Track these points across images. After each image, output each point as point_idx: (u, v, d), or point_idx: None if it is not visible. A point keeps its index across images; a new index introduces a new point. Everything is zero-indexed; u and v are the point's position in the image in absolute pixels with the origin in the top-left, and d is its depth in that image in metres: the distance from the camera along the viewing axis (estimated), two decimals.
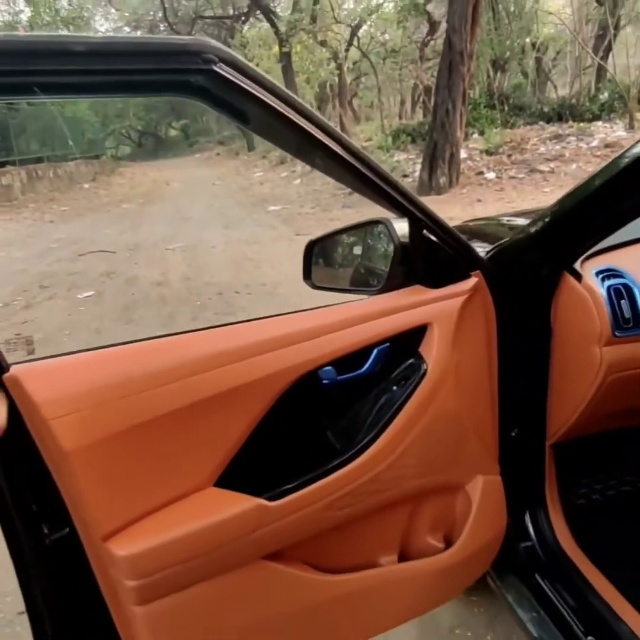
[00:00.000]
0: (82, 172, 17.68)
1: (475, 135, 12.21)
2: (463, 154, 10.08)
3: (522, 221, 1.84)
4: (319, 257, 1.35)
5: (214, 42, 0.77)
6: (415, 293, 1.14)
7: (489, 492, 1.27)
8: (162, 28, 24.23)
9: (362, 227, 1.32)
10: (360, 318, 1.07)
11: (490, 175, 9.42)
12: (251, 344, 0.97)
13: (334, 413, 1.12)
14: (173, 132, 46.78)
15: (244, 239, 8.06)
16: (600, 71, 15.45)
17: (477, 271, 1.18)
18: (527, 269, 1.26)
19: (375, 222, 1.25)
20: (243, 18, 23.89)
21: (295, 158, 1.04)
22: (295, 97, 0.85)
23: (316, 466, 1.02)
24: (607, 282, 1.23)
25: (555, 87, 20.64)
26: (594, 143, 10.37)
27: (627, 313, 1.21)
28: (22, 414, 0.84)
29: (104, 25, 26.76)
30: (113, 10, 25.21)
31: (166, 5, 22.04)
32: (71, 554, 0.92)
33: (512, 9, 16.37)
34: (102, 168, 19.49)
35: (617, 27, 15.37)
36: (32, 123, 16.79)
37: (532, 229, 1.24)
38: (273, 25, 18.76)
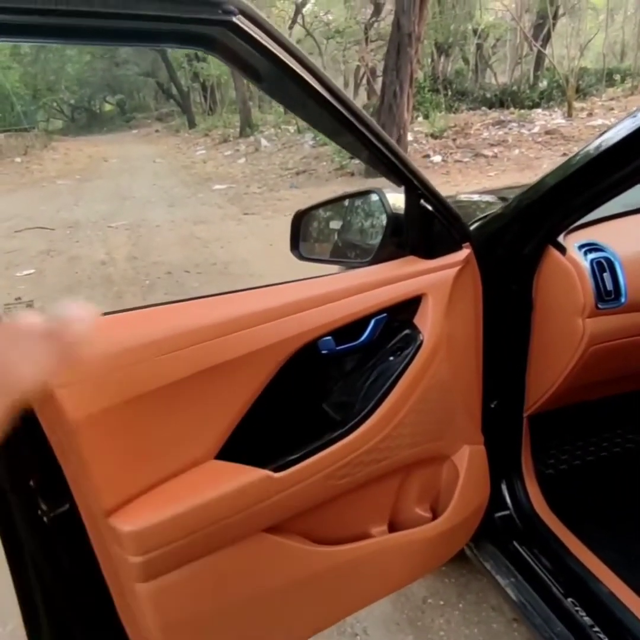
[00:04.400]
0: (11, 145, 16.80)
1: (420, 119, 12.34)
2: (409, 137, 10.15)
3: (477, 198, 1.88)
4: (307, 227, 1.32)
5: None
6: (410, 263, 1.13)
7: (475, 461, 1.28)
8: None
9: (352, 197, 1.30)
10: (357, 288, 1.06)
11: (437, 158, 9.53)
12: (251, 313, 0.94)
13: (334, 383, 1.11)
14: (108, 107, 45.16)
15: (190, 218, 7.88)
16: (539, 60, 15.88)
17: (468, 243, 1.18)
18: (512, 242, 1.27)
19: (367, 192, 1.22)
20: None
21: (302, 119, 1.01)
22: (309, 57, 0.82)
23: (317, 437, 1.00)
24: (590, 256, 1.25)
25: (494, 74, 21.10)
26: (535, 130, 10.65)
27: (609, 286, 1.24)
28: None
29: None
30: None
31: None
32: (70, 531, 0.87)
33: None
34: (34, 142, 18.57)
35: (555, 17, 15.78)
36: None
37: (517, 204, 1.25)
38: None
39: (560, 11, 16.91)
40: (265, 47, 0.76)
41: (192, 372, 0.88)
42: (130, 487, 0.85)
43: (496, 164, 9.25)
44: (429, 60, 15.93)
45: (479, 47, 18.74)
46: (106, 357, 0.81)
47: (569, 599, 1.26)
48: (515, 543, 1.41)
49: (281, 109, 21.19)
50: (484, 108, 13.29)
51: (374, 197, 1.22)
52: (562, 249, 1.26)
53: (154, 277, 5.22)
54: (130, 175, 13.39)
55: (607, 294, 1.24)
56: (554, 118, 11.58)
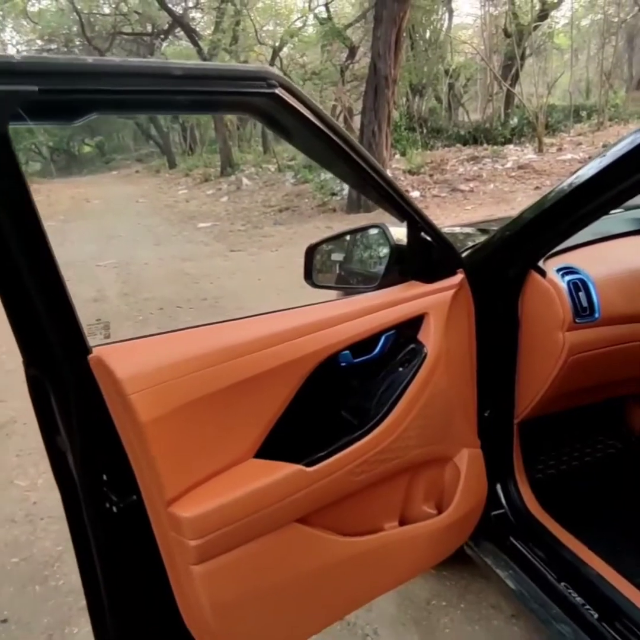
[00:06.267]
0: None
1: (398, 156, 12.73)
2: (388, 173, 10.49)
3: (458, 230, 2.07)
4: (318, 259, 1.49)
5: (277, 71, 0.92)
6: (413, 287, 1.31)
7: (473, 463, 1.44)
8: (77, 43, 23.70)
9: (358, 231, 1.48)
10: (369, 309, 1.23)
11: (415, 193, 9.85)
12: (282, 331, 1.10)
13: (352, 391, 1.26)
14: (87, 149, 45.55)
15: (177, 255, 8.05)
16: (509, 98, 16.52)
17: (460, 269, 1.36)
18: (498, 267, 1.46)
19: (371, 226, 1.41)
20: (162, 36, 23.76)
21: (323, 168, 1.21)
22: (333, 119, 1.02)
23: (340, 437, 1.16)
24: (567, 277, 1.44)
25: (466, 111, 21.83)
26: (508, 165, 11.07)
27: (585, 303, 1.43)
28: (103, 391, 0.93)
29: (15, 38, 25.85)
30: (25, 22, 24.41)
31: (83, 20, 21.61)
32: (135, 520, 1.01)
33: (428, 36, 17.25)
34: None
35: (522, 57, 16.50)
36: None
37: (501, 234, 1.44)
38: (195, 43, 18.80)
39: (527, 52, 17.70)
40: (299, 112, 0.95)
41: (234, 382, 1.03)
42: (187, 480, 0.99)
43: (472, 198, 9.60)
44: (404, 100, 16.52)
45: (451, 86, 19.46)
46: (167, 368, 0.97)
47: (562, 583, 1.41)
48: (511, 538, 1.56)
49: (261, 148, 21.69)
50: (458, 145, 13.78)
51: (378, 231, 1.40)
52: (543, 272, 1.44)
53: (147, 313, 5.35)
54: (114, 215, 13.55)
55: (583, 310, 1.42)
56: (526, 153, 12.05)
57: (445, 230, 2.14)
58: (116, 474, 0.98)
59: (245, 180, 15.15)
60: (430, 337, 1.28)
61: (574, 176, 1.22)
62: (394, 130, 13.17)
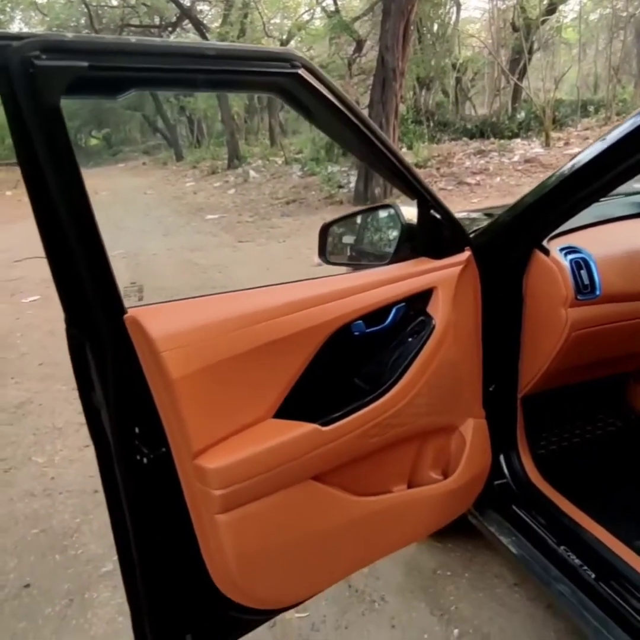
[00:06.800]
0: (2, 179, 17.05)
1: (404, 150, 12.77)
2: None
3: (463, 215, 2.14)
4: (332, 237, 1.56)
5: (300, 53, 0.99)
6: (423, 263, 1.38)
7: (478, 433, 1.51)
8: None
9: (370, 211, 1.55)
10: (381, 282, 1.30)
11: None
12: (300, 300, 1.18)
13: (365, 358, 1.34)
14: (94, 141, 45.68)
15: (185, 246, 8.13)
16: (516, 92, 16.50)
17: (468, 247, 1.43)
18: (504, 247, 1.52)
19: (383, 206, 1.48)
20: (170, 28, 23.78)
21: (341, 147, 1.28)
22: (352, 101, 1.09)
23: (353, 400, 1.23)
24: (570, 256, 1.51)
25: (473, 105, 21.79)
26: (515, 158, 11.10)
27: (586, 280, 1.49)
28: (137, 348, 1.01)
29: (24, 29, 25.88)
30: (33, 14, 24.47)
31: (91, 12, 21.67)
32: (164, 471, 1.09)
33: (436, 30, 17.23)
34: None
35: (530, 52, 16.47)
36: None
37: (508, 215, 1.50)
38: (203, 36, 18.82)
39: (535, 46, 17.67)
40: (321, 92, 1.02)
41: (256, 346, 1.11)
42: (212, 435, 1.07)
43: (479, 191, 9.64)
44: (412, 93, 16.52)
45: (458, 80, 19.43)
46: (197, 330, 1.04)
47: (562, 547, 1.48)
48: (513, 507, 1.63)
49: (268, 141, 21.73)
50: (465, 138, 13.80)
51: (389, 210, 1.47)
52: (546, 251, 1.51)
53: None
54: (122, 206, 13.63)
55: (584, 288, 1.49)
56: (533, 147, 12.07)
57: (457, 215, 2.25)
58: (147, 427, 1.06)
59: (252, 173, 15.22)
60: (438, 310, 1.35)
61: (575, 159, 1.29)
62: (401, 124, 13.22)
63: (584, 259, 1.51)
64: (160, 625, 1.20)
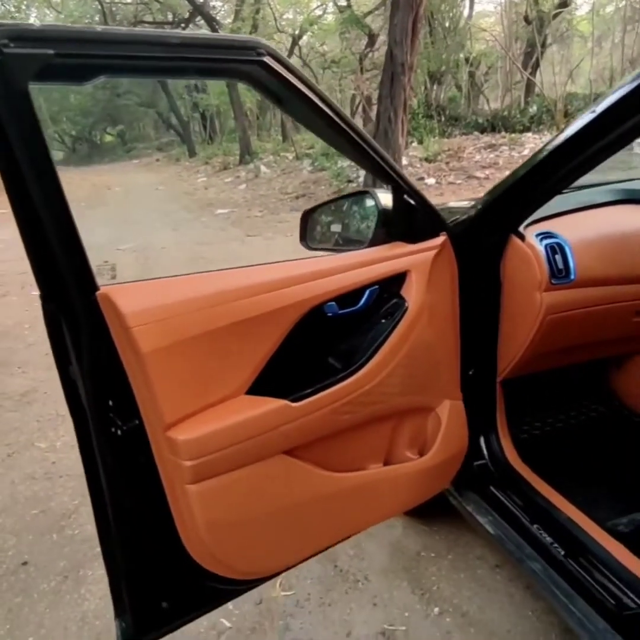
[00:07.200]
0: None
1: (415, 144, 12.75)
2: (404, 161, 10.54)
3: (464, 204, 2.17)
4: (313, 223, 1.61)
5: (266, 41, 1.03)
6: (397, 247, 1.41)
7: (454, 414, 1.55)
8: None
9: (349, 197, 1.59)
10: (355, 265, 1.34)
11: (431, 181, 9.91)
12: (274, 280, 1.22)
13: (337, 339, 1.38)
14: (108, 138, 46.02)
15: (194, 240, 8.20)
16: (529, 86, 16.39)
17: (444, 232, 1.47)
18: (481, 232, 1.55)
19: (361, 193, 1.52)
20: (183, 24, 23.90)
21: (314, 134, 1.32)
22: (320, 88, 1.12)
23: (324, 378, 1.28)
24: (545, 241, 1.54)
25: (487, 100, 21.65)
26: (525, 152, 11.05)
27: (560, 265, 1.52)
28: (109, 324, 1.06)
29: None
30: (48, 11, 24.69)
31: (105, 9, 21.85)
32: (137, 443, 1.14)
33: (447, 24, 17.14)
34: None
35: (543, 45, 16.35)
36: None
37: (485, 202, 1.54)
38: (215, 32, 18.90)
39: (549, 39, 17.52)
40: (286, 79, 1.06)
41: (228, 323, 1.15)
42: (184, 409, 1.12)
43: (488, 185, 9.60)
44: (423, 88, 16.47)
45: (471, 74, 19.32)
46: (168, 306, 1.09)
47: (535, 525, 1.51)
48: (491, 488, 1.67)
49: (280, 137, 21.77)
50: (476, 133, 13.74)
51: (367, 196, 1.51)
52: (522, 237, 1.54)
53: None
54: (134, 201, 13.77)
55: (559, 272, 1.52)
56: (544, 141, 11.99)
57: (452, 204, 2.27)
58: (121, 400, 1.11)
59: (263, 168, 15.27)
60: (412, 292, 1.38)
61: (546, 145, 1.31)
62: (411, 118, 13.20)
63: (559, 244, 1.54)
64: (137, 592, 1.26)
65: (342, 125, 1.20)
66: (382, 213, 1.43)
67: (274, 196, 11.91)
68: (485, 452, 1.71)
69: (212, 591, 1.33)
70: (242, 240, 8.03)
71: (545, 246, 1.52)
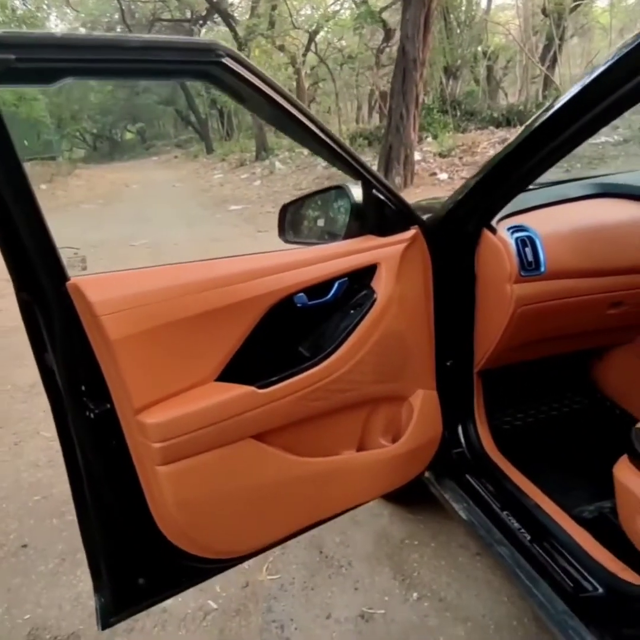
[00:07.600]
0: (37, 172, 17.53)
1: (429, 139, 12.72)
2: (417, 156, 10.54)
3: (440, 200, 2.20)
4: (291, 217, 1.66)
5: (224, 43, 1.08)
6: (368, 240, 1.46)
7: (427, 403, 1.59)
8: (118, 30, 24.17)
9: (325, 192, 1.64)
10: (325, 257, 1.39)
11: (443, 176, 9.89)
12: (245, 271, 1.27)
13: (306, 329, 1.43)
14: (128, 136, 46.51)
15: (207, 236, 8.30)
16: (547, 80, 16.22)
17: (416, 226, 1.51)
18: (455, 226, 1.59)
19: (335, 187, 1.56)
20: (201, 22, 24.06)
21: (280, 131, 1.36)
22: (282, 86, 1.17)
23: (293, 366, 1.33)
24: (516, 235, 1.57)
25: (506, 94, 21.49)
26: None
27: (531, 258, 1.55)
28: (79, 313, 1.12)
29: (59, 26, 26.49)
30: (68, 11, 25.01)
31: (123, 8, 22.06)
32: (110, 426, 1.20)
33: (463, 18, 17.02)
34: (58, 169, 19.31)
35: (562, 39, 16.16)
36: None
37: (458, 197, 1.57)
38: (231, 29, 18.99)
39: (571, 32, 17.31)
40: (246, 78, 1.11)
41: (197, 313, 1.20)
42: (153, 394, 1.18)
43: None
44: (438, 83, 16.39)
45: (489, 69, 19.17)
46: (136, 296, 1.15)
47: (505, 512, 1.56)
48: (467, 476, 1.71)
49: None
50: (491, 127, 13.65)
51: (341, 191, 1.55)
52: (494, 230, 1.57)
53: None
54: (151, 198, 13.94)
55: (528, 265, 1.55)
56: None
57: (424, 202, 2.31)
58: (92, 385, 1.17)
59: (278, 164, 15.35)
60: (381, 284, 1.43)
61: (512, 140, 1.34)
62: (426, 114, 13.18)
63: (529, 237, 1.57)
64: (115, 569, 1.32)
65: (307, 122, 1.24)
66: (355, 207, 1.48)
67: (288, 192, 11.97)
68: (462, 440, 1.75)
69: (187, 569, 1.40)
70: (254, 236, 8.11)
71: (516, 239, 1.56)
